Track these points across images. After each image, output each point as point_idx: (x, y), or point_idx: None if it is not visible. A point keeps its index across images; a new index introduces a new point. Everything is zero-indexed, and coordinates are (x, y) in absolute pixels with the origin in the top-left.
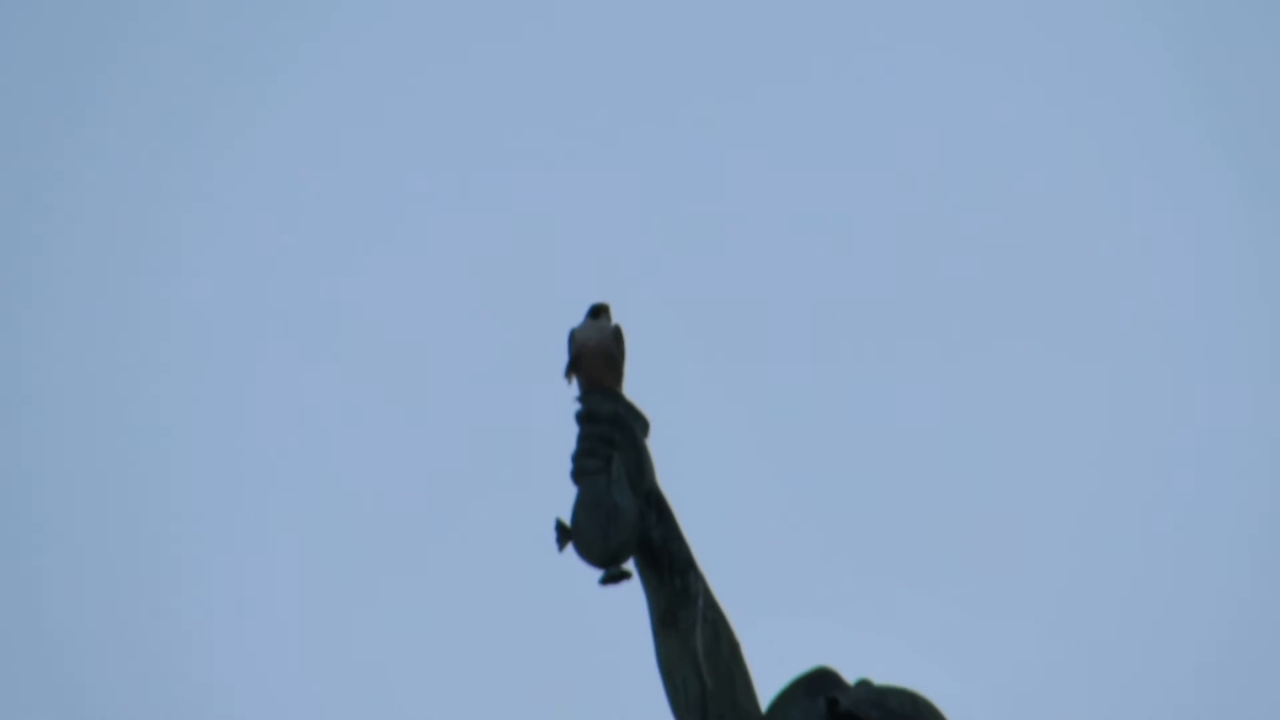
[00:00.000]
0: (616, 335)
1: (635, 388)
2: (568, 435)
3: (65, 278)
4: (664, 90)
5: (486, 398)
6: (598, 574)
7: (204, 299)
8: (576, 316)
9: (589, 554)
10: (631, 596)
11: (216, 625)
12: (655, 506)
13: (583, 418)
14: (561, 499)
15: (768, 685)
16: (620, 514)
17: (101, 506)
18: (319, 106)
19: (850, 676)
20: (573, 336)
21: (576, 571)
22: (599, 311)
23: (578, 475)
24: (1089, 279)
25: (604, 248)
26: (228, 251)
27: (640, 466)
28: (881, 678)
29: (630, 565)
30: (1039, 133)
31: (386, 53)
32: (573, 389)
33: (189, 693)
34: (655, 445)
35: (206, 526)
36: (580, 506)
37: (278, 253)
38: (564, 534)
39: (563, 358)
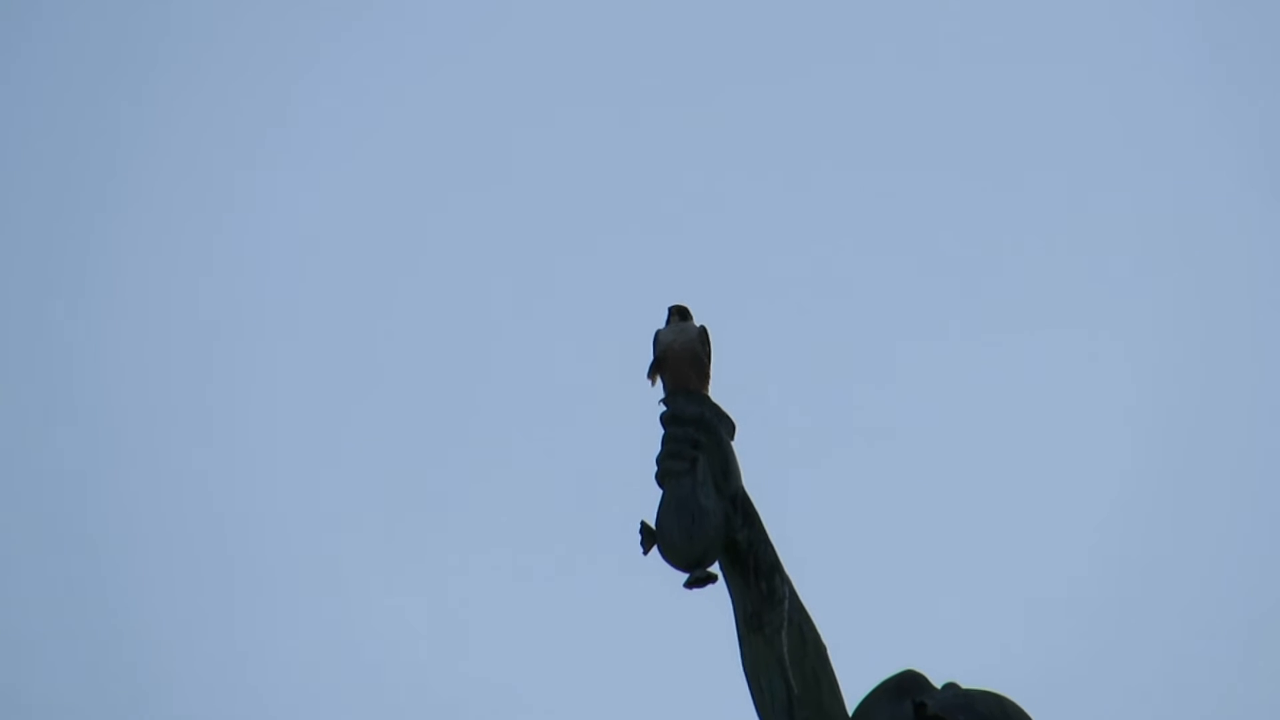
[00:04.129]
0: (702, 336)
1: (720, 389)
2: (652, 437)
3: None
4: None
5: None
6: (683, 576)
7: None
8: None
9: (673, 557)
10: (717, 599)
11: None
12: (741, 509)
13: (668, 420)
14: (648, 501)
15: (854, 688)
16: (705, 517)
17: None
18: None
19: (937, 680)
20: (657, 338)
21: (663, 573)
22: (682, 313)
23: (662, 477)
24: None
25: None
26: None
27: (726, 469)
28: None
29: (716, 568)
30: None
31: (398, 63)
32: (657, 390)
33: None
34: (741, 448)
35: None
36: (665, 509)
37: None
38: (649, 536)
39: (647, 359)
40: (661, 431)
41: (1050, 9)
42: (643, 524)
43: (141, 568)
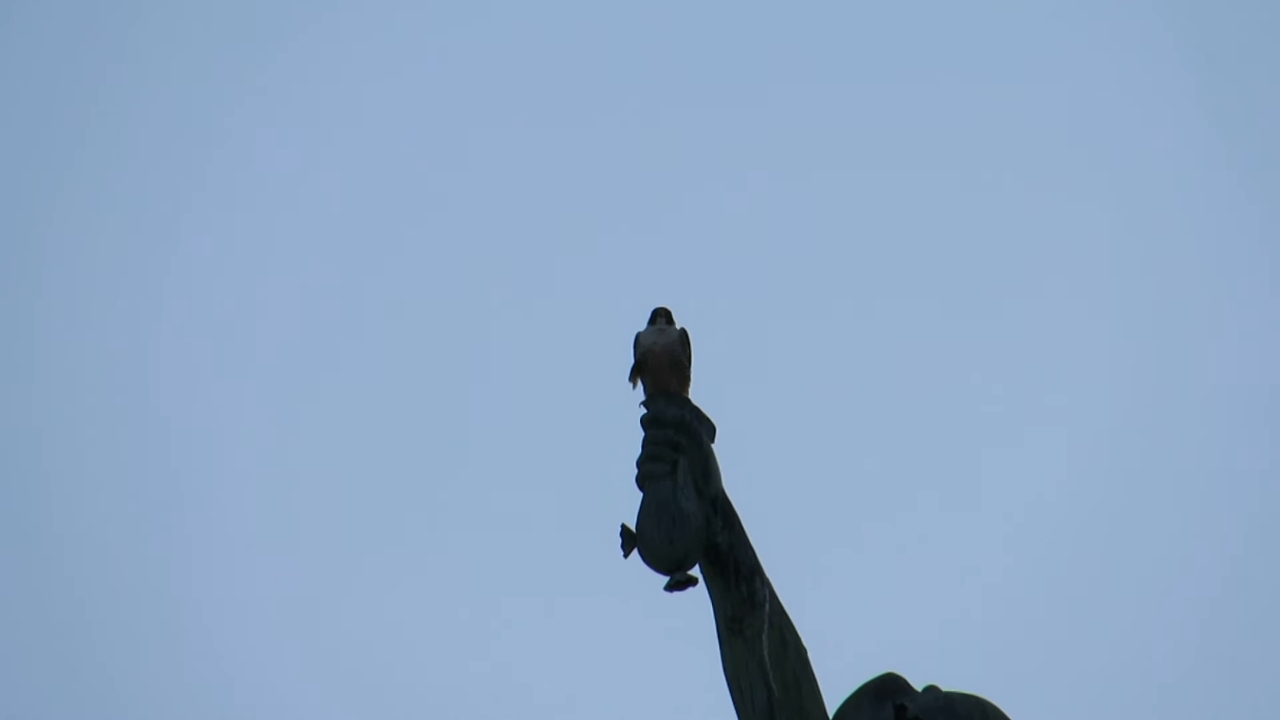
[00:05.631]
0: (683, 339)
1: (700, 391)
2: (633, 439)
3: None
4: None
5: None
6: (663, 579)
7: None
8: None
9: (654, 560)
10: (697, 602)
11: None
12: (722, 512)
13: (648, 422)
14: (628, 504)
15: (834, 691)
16: (686, 520)
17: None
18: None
19: (917, 683)
20: (638, 340)
21: (643, 576)
22: (663, 315)
23: (643, 480)
24: None
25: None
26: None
27: (706, 472)
28: None
29: (696, 571)
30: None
31: (370, 57)
32: (638, 393)
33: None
34: (721, 450)
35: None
36: (645, 512)
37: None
38: (629, 539)
39: (627, 361)
40: (642, 434)
41: (1035, 21)
42: (623, 527)
43: (136, 576)
